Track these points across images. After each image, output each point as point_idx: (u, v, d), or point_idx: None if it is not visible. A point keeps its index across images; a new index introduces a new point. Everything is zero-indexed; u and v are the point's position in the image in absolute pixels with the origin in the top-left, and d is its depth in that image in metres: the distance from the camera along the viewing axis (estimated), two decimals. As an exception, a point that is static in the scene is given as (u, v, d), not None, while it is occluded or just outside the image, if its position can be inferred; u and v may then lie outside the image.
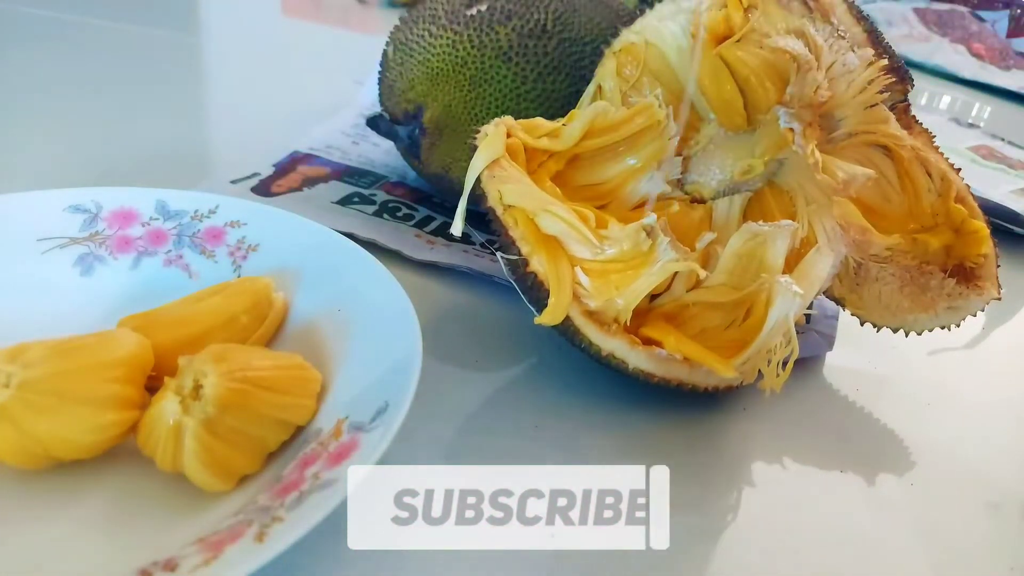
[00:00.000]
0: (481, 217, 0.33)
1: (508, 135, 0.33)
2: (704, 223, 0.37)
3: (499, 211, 0.31)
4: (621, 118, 0.35)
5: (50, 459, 0.26)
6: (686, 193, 0.37)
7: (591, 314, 0.31)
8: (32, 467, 0.26)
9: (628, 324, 0.31)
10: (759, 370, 0.32)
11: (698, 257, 0.34)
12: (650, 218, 0.32)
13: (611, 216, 0.34)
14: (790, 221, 0.33)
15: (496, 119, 0.33)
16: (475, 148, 0.32)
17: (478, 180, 0.32)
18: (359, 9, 1.05)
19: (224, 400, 0.25)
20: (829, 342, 0.40)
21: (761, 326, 0.31)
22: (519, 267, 0.31)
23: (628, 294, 0.31)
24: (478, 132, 0.32)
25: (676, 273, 0.33)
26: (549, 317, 0.30)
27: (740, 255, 0.33)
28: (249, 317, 0.31)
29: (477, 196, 0.32)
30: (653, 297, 0.34)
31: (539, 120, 0.34)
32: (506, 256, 0.32)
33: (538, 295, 0.31)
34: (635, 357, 0.31)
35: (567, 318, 0.31)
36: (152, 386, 0.28)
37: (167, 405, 0.25)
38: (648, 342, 0.32)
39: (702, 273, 0.32)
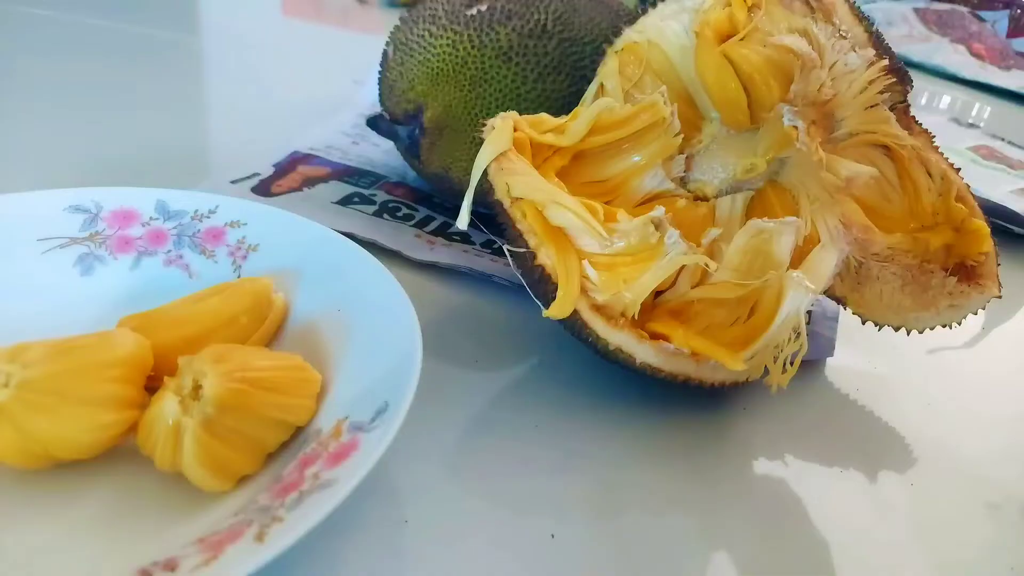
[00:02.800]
0: (481, 216, 0.33)
1: (515, 129, 0.33)
2: (708, 221, 0.37)
3: (506, 204, 0.31)
4: (626, 115, 0.35)
5: (50, 459, 0.26)
6: (689, 192, 0.37)
7: (599, 308, 0.31)
8: (32, 467, 0.26)
9: (635, 319, 0.31)
10: (764, 367, 0.32)
11: (703, 253, 0.34)
12: (658, 211, 0.31)
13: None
14: (795, 218, 0.33)
15: (502, 113, 0.33)
16: (481, 141, 0.32)
17: (484, 174, 0.31)
18: (359, 9, 1.05)
19: (223, 400, 0.25)
20: (830, 346, 0.40)
21: (767, 322, 0.31)
22: (526, 260, 0.31)
23: (636, 287, 0.31)
24: (483, 126, 0.32)
25: (681, 269, 0.33)
26: (557, 310, 0.30)
27: (745, 251, 0.33)
28: (249, 318, 0.31)
29: (482, 191, 0.32)
30: (658, 294, 0.34)
31: (544, 116, 0.34)
32: (513, 249, 0.31)
33: (545, 289, 0.31)
34: (643, 351, 0.31)
35: (574, 311, 0.30)
36: (152, 386, 0.27)
37: (166, 405, 0.25)
38: (655, 337, 0.32)
39: (712, 266, 0.32)
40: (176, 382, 0.26)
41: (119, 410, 0.26)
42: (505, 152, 0.31)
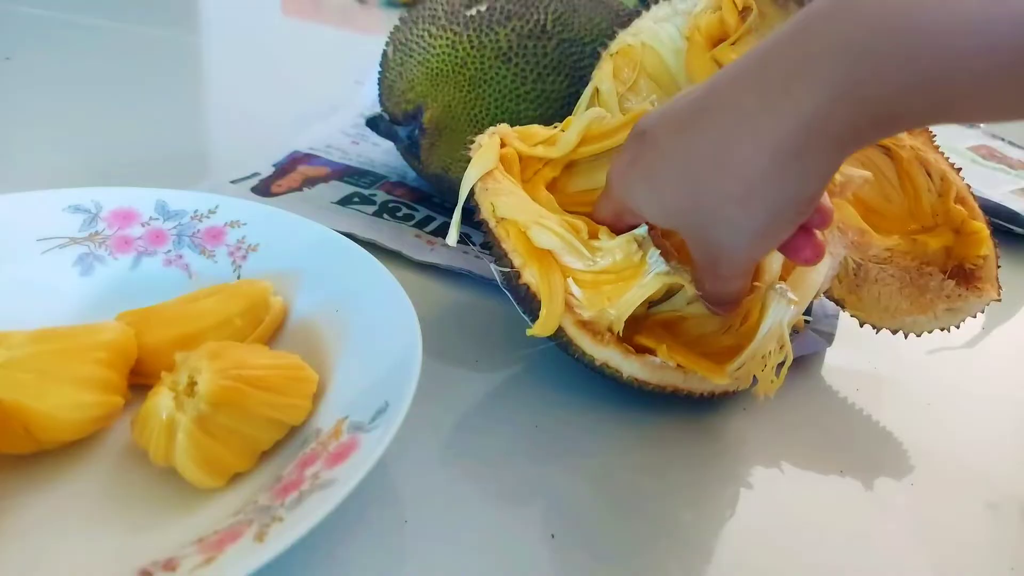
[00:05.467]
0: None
1: (503, 144, 0.33)
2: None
3: (492, 223, 0.31)
4: (617, 124, 0.35)
5: (32, 441, 0.26)
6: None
7: (584, 324, 0.31)
8: (14, 451, 0.26)
9: (622, 332, 0.31)
10: (754, 375, 0.32)
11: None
12: (641, 229, 0.32)
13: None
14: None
15: (491, 128, 0.33)
16: (469, 160, 0.32)
17: (472, 191, 0.32)
18: (359, 9, 1.05)
19: (217, 397, 0.25)
20: (829, 339, 0.40)
21: (755, 332, 0.31)
22: (512, 278, 0.31)
23: (620, 305, 0.31)
24: (472, 142, 0.32)
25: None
26: (540, 328, 0.31)
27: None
28: (243, 320, 0.31)
29: (473, 205, 0.32)
30: (652, 304, 0.34)
31: (535, 127, 0.34)
32: (499, 267, 0.32)
33: (531, 306, 0.31)
34: (629, 366, 0.31)
35: (560, 328, 0.31)
36: (145, 384, 0.28)
37: (161, 400, 0.25)
38: (642, 350, 0.32)
39: (690, 289, 0.32)
40: (172, 377, 0.26)
41: (100, 392, 0.26)
42: (491, 171, 0.31)
